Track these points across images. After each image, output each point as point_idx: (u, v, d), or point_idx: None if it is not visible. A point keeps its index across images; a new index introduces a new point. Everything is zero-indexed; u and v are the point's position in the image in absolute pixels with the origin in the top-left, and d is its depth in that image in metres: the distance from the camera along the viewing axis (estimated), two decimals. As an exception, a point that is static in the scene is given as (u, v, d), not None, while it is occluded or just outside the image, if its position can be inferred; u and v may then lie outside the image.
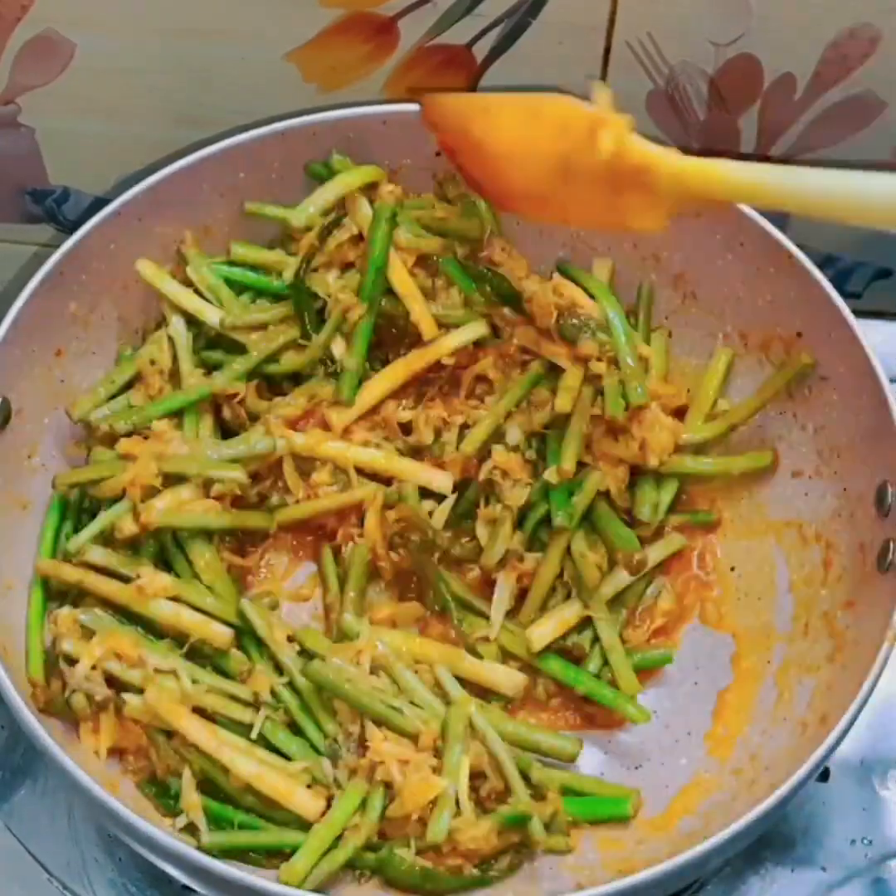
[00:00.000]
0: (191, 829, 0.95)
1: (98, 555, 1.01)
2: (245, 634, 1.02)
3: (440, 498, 1.08)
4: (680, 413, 1.12)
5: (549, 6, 1.08)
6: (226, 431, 1.10)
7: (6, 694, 0.91)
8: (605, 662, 1.05)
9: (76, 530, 1.04)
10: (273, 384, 1.11)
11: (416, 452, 1.10)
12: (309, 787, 0.96)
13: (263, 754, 0.97)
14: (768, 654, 1.06)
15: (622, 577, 1.07)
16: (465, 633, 1.05)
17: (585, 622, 1.06)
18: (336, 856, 0.93)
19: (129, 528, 1.01)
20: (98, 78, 1.15)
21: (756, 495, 1.12)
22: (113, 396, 1.09)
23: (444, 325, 1.10)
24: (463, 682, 1.02)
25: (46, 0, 1.09)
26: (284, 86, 1.15)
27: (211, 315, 1.09)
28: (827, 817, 1.05)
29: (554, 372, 1.09)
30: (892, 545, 0.96)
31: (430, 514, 1.08)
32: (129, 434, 1.05)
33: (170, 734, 0.97)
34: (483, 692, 1.03)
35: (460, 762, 0.95)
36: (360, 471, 1.09)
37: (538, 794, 0.97)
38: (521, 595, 1.07)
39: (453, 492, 1.08)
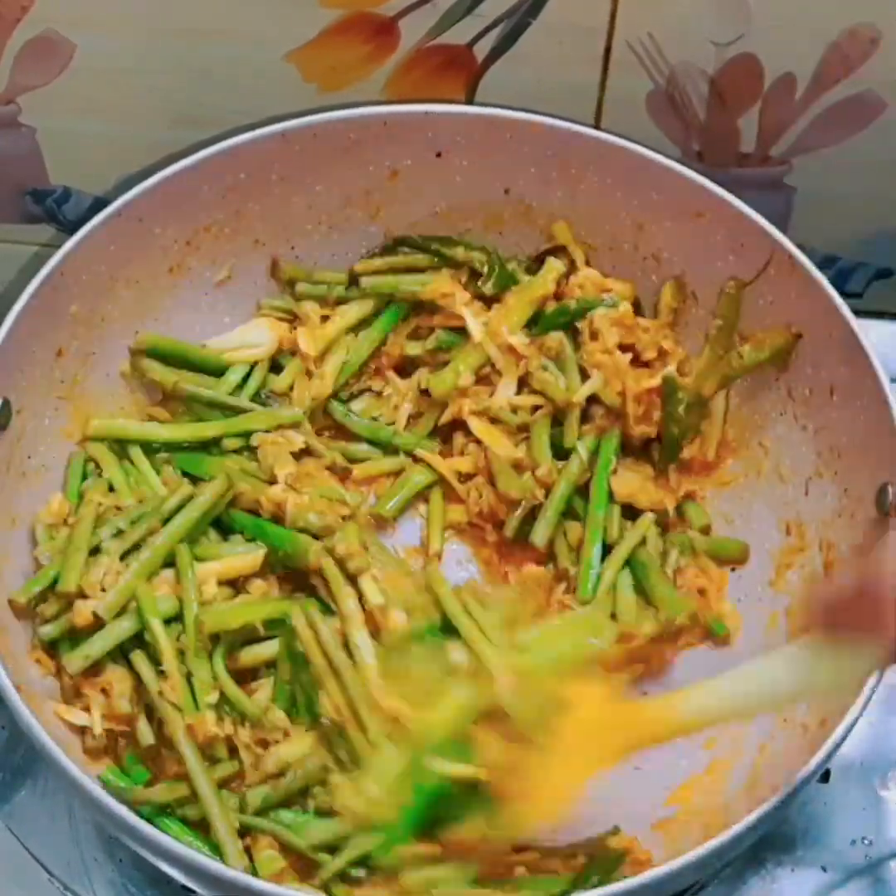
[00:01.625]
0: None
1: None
2: None
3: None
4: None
5: (550, 6, 1.08)
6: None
7: (6, 694, 0.91)
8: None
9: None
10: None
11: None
12: None
13: None
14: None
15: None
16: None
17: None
18: None
19: None
20: (98, 78, 1.15)
21: (757, 494, 1.12)
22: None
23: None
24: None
25: (46, 0, 1.09)
26: (284, 86, 1.14)
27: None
28: (827, 818, 1.05)
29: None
30: (892, 546, 0.96)
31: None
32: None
33: None
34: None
35: None
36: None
37: None
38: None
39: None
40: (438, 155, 1.12)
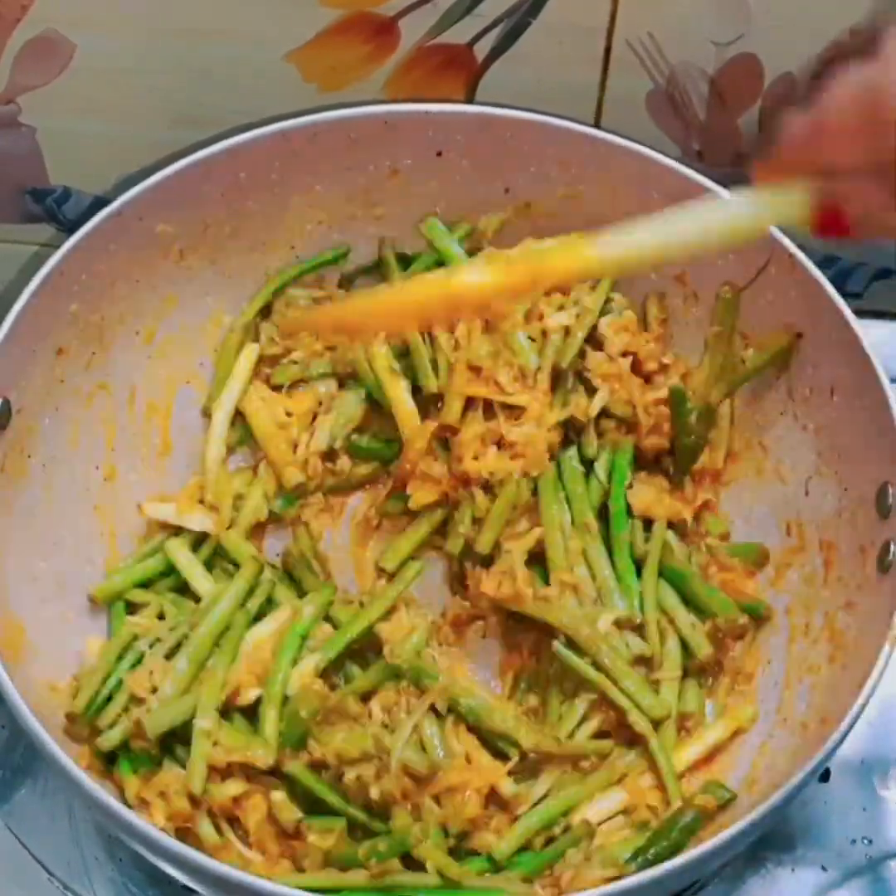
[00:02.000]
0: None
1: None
2: None
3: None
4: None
5: (550, 6, 1.08)
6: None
7: (6, 694, 0.91)
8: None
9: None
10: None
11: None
12: None
13: None
14: (768, 653, 1.06)
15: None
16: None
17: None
18: None
19: None
20: (98, 78, 1.15)
21: (757, 494, 1.12)
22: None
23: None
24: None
25: (46, 0, 1.09)
26: (284, 86, 1.14)
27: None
28: (827, 817, 1.05)
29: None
30: (892, 546, 0.96)
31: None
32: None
33: None
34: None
35: None
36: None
37: None
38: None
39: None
40: (439, 154, 1.12)
